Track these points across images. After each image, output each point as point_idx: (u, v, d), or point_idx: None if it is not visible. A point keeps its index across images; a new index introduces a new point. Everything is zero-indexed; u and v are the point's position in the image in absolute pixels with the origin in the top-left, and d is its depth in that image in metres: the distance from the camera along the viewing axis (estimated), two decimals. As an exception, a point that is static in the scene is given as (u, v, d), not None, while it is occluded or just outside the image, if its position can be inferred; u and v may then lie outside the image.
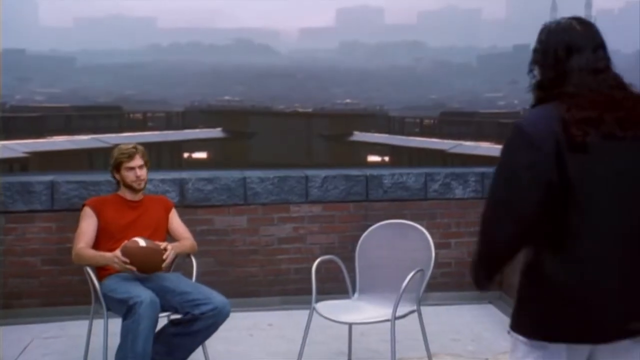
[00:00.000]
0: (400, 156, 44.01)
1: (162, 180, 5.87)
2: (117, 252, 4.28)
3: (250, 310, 5.83)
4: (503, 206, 2.40)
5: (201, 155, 48.90)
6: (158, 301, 4.14)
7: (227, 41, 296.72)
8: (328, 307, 4.70)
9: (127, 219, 4.65)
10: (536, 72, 2.57)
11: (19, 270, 5.79)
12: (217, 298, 4.31)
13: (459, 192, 6.14)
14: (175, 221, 4.85)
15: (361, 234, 6.14)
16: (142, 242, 4.32)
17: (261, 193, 6.03)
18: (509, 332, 2.52)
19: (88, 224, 4.61)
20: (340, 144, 49.25)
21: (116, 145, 4.89)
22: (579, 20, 2.55)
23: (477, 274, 2.54)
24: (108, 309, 4.38)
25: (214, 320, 4.28)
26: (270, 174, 6.10)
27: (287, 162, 44.35)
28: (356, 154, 46.54)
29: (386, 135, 47.53)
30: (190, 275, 4.64)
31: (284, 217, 6.09)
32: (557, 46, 2.50)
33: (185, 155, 48.76)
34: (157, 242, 4.42)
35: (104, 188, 5.85)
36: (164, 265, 4.38)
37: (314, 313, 4.66)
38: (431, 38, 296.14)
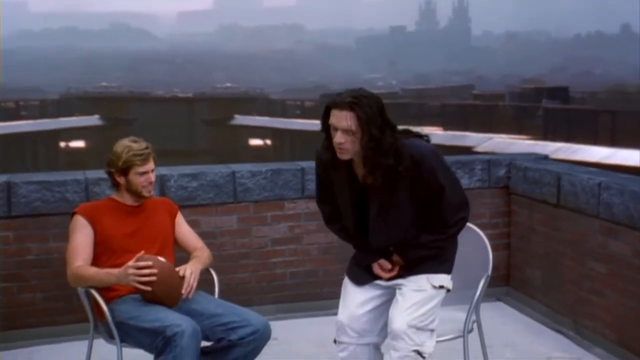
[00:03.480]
0: (282, 139, 43.95)
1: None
2: (130, 263, 3.50)
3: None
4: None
5: (79, 144, 47.40)
6: (199, 330, 3.41)
7: (102, 26, 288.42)
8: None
9: (129, 228, 3.85)
10: None
11: (-30, 290, 4.90)
12: (256, 318, 3.62)
13: (465, 181, 5.59)
14: (183, 228, 4.09)
15: (362, 231, 5.55)
16: (161, 257, 3.57)
17: (253, 189, 5.31)
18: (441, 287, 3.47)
19: (83, 236, 3.78)
20: (222, 128, 48.99)
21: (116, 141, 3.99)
22: None
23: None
24: (122, 341, 3.59)
25: (254, 346, 3.59)
26: (263, 167, 5.39)
27: (169, 147, 44.17)
28: (238, 138, 46.31)
29: (267, 119, 47.45)
30: (210, 293, 3.92)
31: (278, 216, 5.40)
32: None
33: (62, 144, 47.14)
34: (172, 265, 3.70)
35: (72, 189, 5.01)
36: (186, 295, 3.64)
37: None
38: (310, 21, 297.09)
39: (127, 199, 3.89)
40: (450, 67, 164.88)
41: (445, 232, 3.41)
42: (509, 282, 5.77)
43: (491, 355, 4.13)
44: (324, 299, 5.53)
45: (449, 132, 30.32)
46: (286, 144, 44.98)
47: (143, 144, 3.85)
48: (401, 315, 3.39)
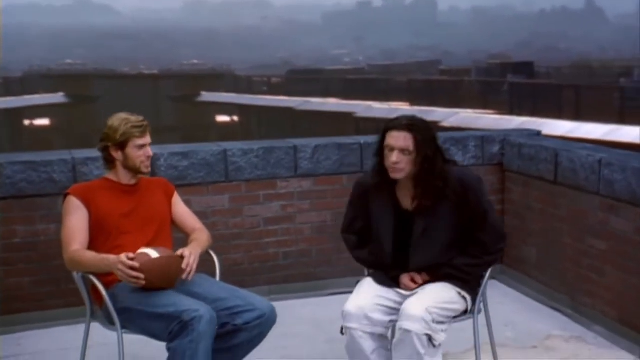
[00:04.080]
0: (249, 115, 43.83)
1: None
2: (123, 257, 3.35)
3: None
4: None
5: (44, 122, 46.75)
6: (216, 316, 3.30)
7: (65, 1, 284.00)
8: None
9: (124, 208, 3.69)
10: None
11: (-45, 275, 4.73)
12: (261, 302, 3.50)
13: (458, 158, 5.50)
14: (180, 209, 3.95)
15: (355, 210, 5.46)
16: (153, 254, 3.40)
17: (245, 168, 5.18)
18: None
19: (78, 218, 3.62)
20: (188, 105, 48.67)
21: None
22: None
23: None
24: (124, 327, 3.46)
25: (259, 331, 3.47)
26: (254, 145, 5.26)
27: None
28: (205, 115, 46.13)
29: (234, 95, 47.08)
30: (211, 276, 3.79)
31: (270, 195, 5.28)
32: None
33: (27, 122, 46.46)
34: (168, 250, 3.55)
35: (59, 169, 4.85)
36: (186, 277, 3.51)
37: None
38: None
39: (123, 178, 3.73)
40: (417, 43, 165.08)
41: (482, 258, 3.53)
42: (502, 261, 5.70)
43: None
44: (317, 279, 5.45)
45: (416, 108, 30.24)
46: (253, 121, 44.73)
47: (140, 117, 3.71)
48: (421, 302, 3.36)
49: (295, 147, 5.28)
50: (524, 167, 5.41)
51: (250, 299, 3.50)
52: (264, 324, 3.46)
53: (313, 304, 5.25)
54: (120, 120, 3.65)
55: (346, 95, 37.09)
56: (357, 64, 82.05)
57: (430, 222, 3.47)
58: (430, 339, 3.32)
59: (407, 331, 3.31)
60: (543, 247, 5.26)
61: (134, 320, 3.41)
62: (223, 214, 5.18)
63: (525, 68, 36.61)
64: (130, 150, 3.64)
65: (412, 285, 3.53)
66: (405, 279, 3.55)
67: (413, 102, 32.01)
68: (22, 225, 4.82)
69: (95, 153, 4.95)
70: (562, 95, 26.95)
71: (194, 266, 3.53)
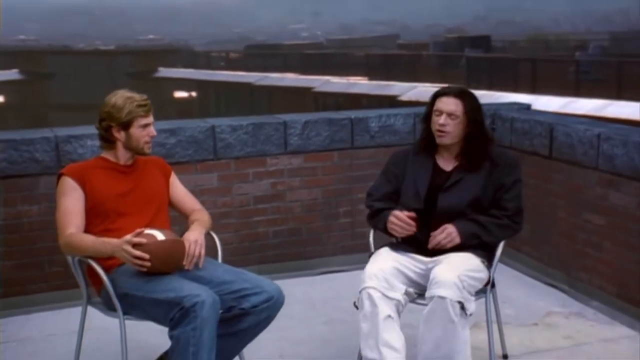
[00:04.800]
0: (207, 91, 43.57)
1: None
2: (128, 237, 3.20)
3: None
4: None
5: (-2, 99, 45.97)
6: (219, 300, 3.15)
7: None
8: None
9: (121, 188, 3.52)
10: None
11: None
12: (269, 285, 3.37)
13: (449, 133, 5.41)
14: (178, 189, 3.79)
15: (345, 187, 5.37)
16: (159, 235, 3.24)
17: (234, 144, 5.02)
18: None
19: (73, 199, 3.43)
20: (145, 81, 48.09)
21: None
22: None
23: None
24: (125, 313, 3.31)
25: (267, 314, 3.34)
26: (244, 120, 5.10)
27: (91, 101, 43.07)
28: (163, 91, 45.76)
29: (192, 71, 46.61)
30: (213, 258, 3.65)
31: (260, 172, 5.14)
32: None
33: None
34: (172, 232, 3.39)
35: (41, 148, 4.65)
36: (191, 266, 3.37)
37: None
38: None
39: (121, 158, 3.56)
40: (374, 17, 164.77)
41: (503, 219, 3.61)
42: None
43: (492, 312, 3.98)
44: (307, 258, 5.34)
45: (374, 82, 30.22)
46: (211, 96, 44.39)
47: (143, 95, 3.53)
48: (452, 269, 3.32)
49: (285, 123, 5.13)
50: (516, 142, 5.32)
51: (258, 281, 3.37)
52: (272, 306, 3.33)
53: (305, 283, 5.14)
54: (124, 98, 3.47)
55: (304, 70, 36.88)
56: (316, 39, 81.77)
57: (464, 177, 3.61)
58: (462, 307, 3.26)
59: (441, 298, 3.24)
60: (536, 222, 5.19)
61: (135, 305, 3.26)
62: (212, 193, 5.03)
63: (482, 42, 36.64)
64: (135, 130, 3.47)
65: (443, 238, 3.51)
66: (437, 233, 3.54)
67: (371, 77, 31.88)
68: (3, 207, 4.62)
69: (78, 131, 4.79)
70: (518, 69, 27.02)
71: (202, 252, 3.39)
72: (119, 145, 3.52)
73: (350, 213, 5.34)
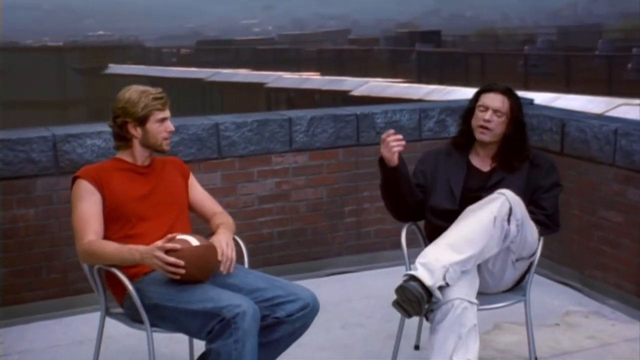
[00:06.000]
0: (159, 87, 43.17)
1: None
2: (160, 244, 2.99)
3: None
4: None
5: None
6: (259, 310, 2.97)
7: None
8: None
9: (140, 191, 3.30)
10: None
11: None
12: (304, 292, 3.20)
13: (453, 129, 5.28)
14: (198, 191, 3.58)
15: (351, 185, 5.22)
16: (193, 241, 3.04)
17: (238, 142, 4.83)
18: None
19: (91, 204, 3.21)
20: (95, 77, 47.53)
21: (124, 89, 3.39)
22: None
23: None
24: (153, 325, 3.10)
25: (303, 322, 3.17)
26: (248, 117, 4.91)
27: (40, 98, 42.44)
28: (113, 88, 45.21)
29: (143, 67, 46.07)
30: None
31: (264, 171, 4.95)
32: None
33: None
34: (202, 237, 3.19)
35: (38, 148, 4.41)
36: (225, 270, 3.18)
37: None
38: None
39: (139, 157, 3.34)
40: (325, 12, 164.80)
41: (539, 216, 3.53)
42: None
43: (509, 312, 3.85)
44: (312, 259, 5.17)
45: (326, 77, 30.13)
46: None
47: (158, 88, 3.34)
48: None
49: (290, 120, 4.95)
50: (524, 138, 5.21)
51: (291, 288, 3.20)
52: (308, 314, 3.17)
53: (312, 285, 4.81)
54: (138, 92, 3.26)
55: (257, 66, 36.62)
56: (267, 34, 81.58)
57: (505, 177, 3.55)
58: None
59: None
60: (546, 219, 5.09)
61: (165, 317, 3.06)
62: (215, 193, 4.72)
63: (432, 37, 36.81)
64: (152, 125, 3.26)
65: None
66: None
67: (323, 72, 31.76)
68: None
69: (76, 130, 4.57)
70: (468, 63, 27.17)
71: (234, 256, 3.19)
72: (136, 144, 3.31)
73: (356, 212, 5.18)
